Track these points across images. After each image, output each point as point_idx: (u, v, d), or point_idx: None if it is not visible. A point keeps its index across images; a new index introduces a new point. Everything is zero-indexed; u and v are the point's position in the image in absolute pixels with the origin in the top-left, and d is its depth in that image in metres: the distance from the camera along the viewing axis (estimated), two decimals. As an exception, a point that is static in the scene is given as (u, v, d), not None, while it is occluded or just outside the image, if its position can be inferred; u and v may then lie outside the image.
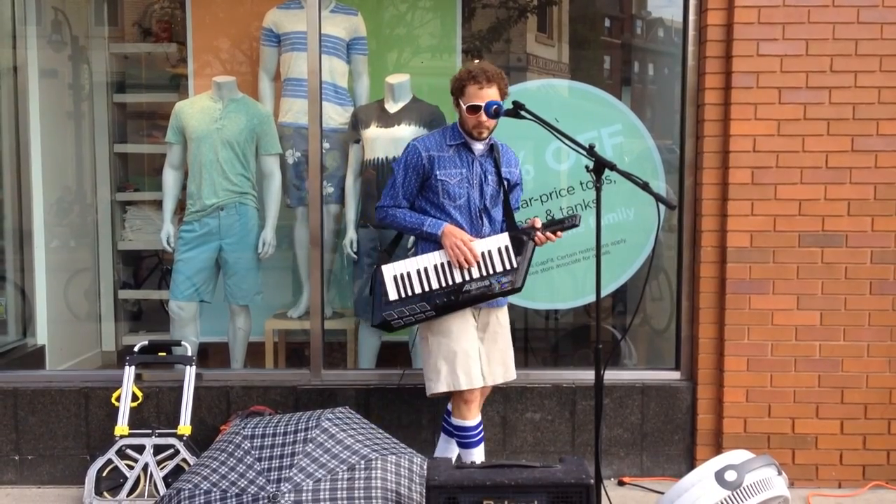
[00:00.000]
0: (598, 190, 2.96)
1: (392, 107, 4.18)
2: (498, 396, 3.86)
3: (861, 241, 3.78)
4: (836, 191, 3.77)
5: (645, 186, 2.92)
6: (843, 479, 3.86)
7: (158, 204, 4.45)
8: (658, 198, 2.87)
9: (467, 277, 3.20)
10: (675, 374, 4.01)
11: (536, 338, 4.99)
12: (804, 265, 3.79)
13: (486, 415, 3.85)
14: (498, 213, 3.36)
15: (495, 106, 3.12)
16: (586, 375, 3.93)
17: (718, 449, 3.85)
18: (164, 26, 5.08)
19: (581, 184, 4.07)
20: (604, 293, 4.09)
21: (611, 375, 3.90)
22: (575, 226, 3.23)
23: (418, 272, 3.23)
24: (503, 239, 3.23)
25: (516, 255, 3.22)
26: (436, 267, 3.24)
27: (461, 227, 3.25)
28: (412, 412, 3.94)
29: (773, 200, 3.77)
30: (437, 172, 3.25)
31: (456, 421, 3.31)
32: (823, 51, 3.72)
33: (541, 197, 4.09)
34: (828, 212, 3.77)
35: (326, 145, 4.20)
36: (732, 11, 3.72)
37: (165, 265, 5.13)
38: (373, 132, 4.14)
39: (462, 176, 3.27)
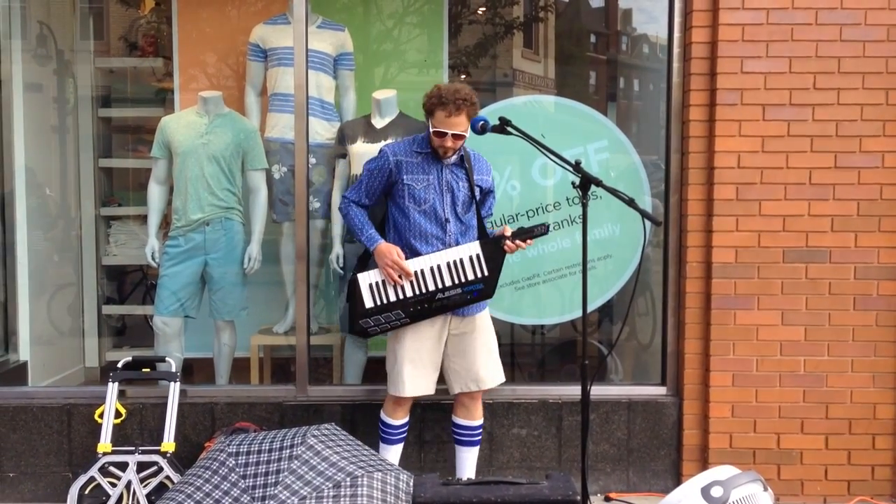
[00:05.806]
0: (585, 206, 2.97)
1: (379, 122, 4.18)
2: (484, 412, 3.83)
3: (845, 257, 3.80)
4: (820, 207, 3.79)
5: (631, 202, 2.93)
6: (829, 494, 3.87)
7: (143, 219, 4.43)
8: (644, 214, 2.88)
9: (440, 286, 3.28)
10: (661, 390, 4.01)
11: (523, 353, 4.98)
12: (788, 281, 3.81)
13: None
14: (472, 220, 3.42)
15: (482, 122, 3.14)
16: (573, 391, 3.92)
17: (704, 464, 3.85)
18: (150, 41, 5.08)
19: (567, 199, 4.08)
20: (590, 308, 4.11)
21: (597, 391, 3.90)
22: (544, 234, 3.31)
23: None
24: (475, 247, 3.30)
25: (487, 264, 3.27)
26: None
27: (426, 234, 3.33)
28: (398, 428, 3.92)
29: (758, 216, 3.79)
30: (405, 177, 3.35)
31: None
32: (807, 68, 3.76)
33: (527, 212, 4.10)
34: (812, 228, 3.80)
35: (313, 160, 4.20)
36: (716, 29, 3.75)
37: (150, 280, 5.10)
38: (359, 147, 4.14)
39: (428, 182, 3.34)
